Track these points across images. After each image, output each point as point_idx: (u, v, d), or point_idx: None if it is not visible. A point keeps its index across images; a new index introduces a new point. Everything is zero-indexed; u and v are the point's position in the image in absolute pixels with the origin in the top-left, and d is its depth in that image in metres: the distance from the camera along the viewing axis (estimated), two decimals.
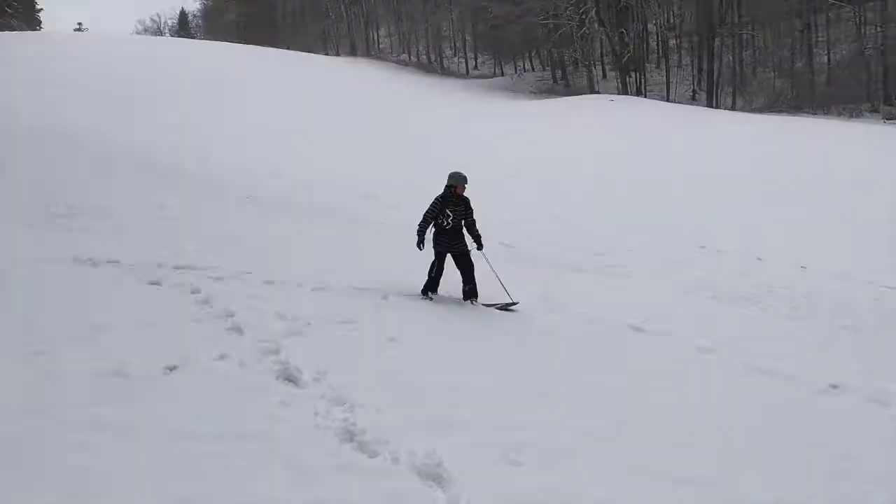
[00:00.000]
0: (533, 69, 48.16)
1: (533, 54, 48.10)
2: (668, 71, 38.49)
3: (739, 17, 38.82)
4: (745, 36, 38.92)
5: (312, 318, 4.94)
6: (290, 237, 9.78)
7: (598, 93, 37.10)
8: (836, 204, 15.53)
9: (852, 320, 8.11)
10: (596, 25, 37.91)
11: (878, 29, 33.64)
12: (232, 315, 4.65)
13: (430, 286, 6.41)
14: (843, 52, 36.35)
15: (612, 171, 19.48)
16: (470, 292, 6.40)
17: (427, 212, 6.30)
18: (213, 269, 6.01)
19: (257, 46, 46.40)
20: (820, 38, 37.56)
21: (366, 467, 2.87)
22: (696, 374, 5.59)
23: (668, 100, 35.63)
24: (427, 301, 6.37)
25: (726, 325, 7.56)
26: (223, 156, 18.12)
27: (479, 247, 6.46)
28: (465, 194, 6.40)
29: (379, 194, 15.12)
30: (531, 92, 41.72)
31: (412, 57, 54.63)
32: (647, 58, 41.32)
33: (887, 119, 30.21)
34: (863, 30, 35.06)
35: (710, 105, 34.78)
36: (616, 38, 37.53)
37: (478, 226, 6.51)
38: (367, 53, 56.81)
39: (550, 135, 24.44)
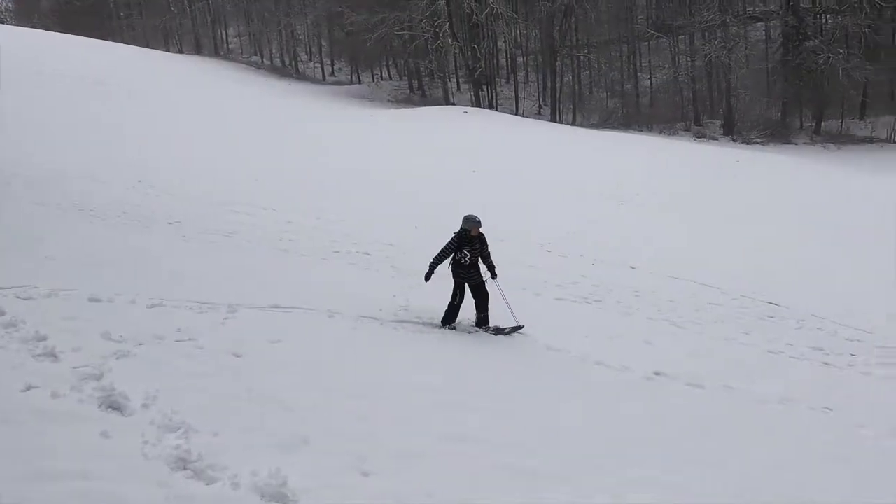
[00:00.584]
0: (390, 78, 48.57)
1: (390, 63, 48.52)
2: (516, 86, 40.95)
3: (577, 40, 42.41)
4: (582, 58, 42.58)
5: (145, 337, 4.51)
6: (125, 248, 8.82)
7: (453, 104, 38.43)
8: (676, 210, 17.46)
9: (672, 314, 9.18)
10: (449, 40, 39.20)
11: (689, 59, 38.60)
12: (44, 339, 4.09)
13: (451, 314, 6.79)
14: (662, 78, 41.22)
15: (467, 180, 20.14)
16: (483, 320, 6.87)
17: (444, 248, 6.72)
18: (21, 287, 5.23)
19: (91, 39, 41.62)
20: (644, 64, 42.29)
21: (202, 495, 2.67)
22: (544, 370, 5.96)
23: (516, 113, 37.84)
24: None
25: (568, 322, 8.17)
26: (48, 157, 15.91)
27: (493, 276, 6.89)
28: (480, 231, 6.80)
29: (235, 201, 14.18)
30: (388, 100, 42.08)
31: (264, 59, 52.45)
32: (498, 73, 43.61)
33: (697, 137, 34.74)
34: (677, 59, 40.02)
35: (553, 119, 37.52)
36: (469, 53, 39.12)
37: (492, 258, 6.93)
38: (216, 53, 53.51)
39: (418, 146, 24.50)
